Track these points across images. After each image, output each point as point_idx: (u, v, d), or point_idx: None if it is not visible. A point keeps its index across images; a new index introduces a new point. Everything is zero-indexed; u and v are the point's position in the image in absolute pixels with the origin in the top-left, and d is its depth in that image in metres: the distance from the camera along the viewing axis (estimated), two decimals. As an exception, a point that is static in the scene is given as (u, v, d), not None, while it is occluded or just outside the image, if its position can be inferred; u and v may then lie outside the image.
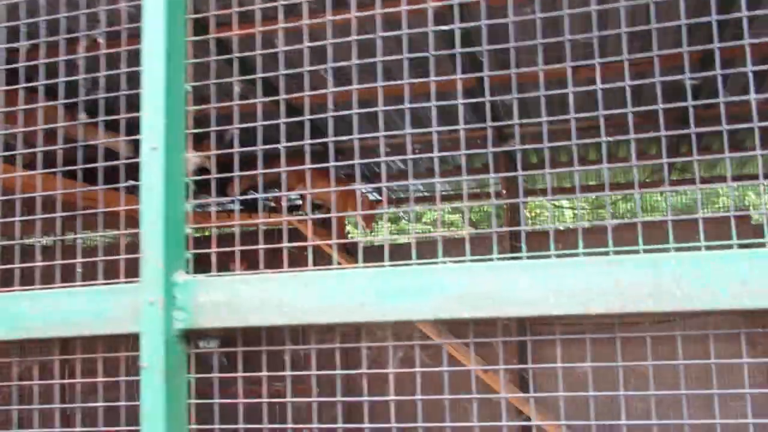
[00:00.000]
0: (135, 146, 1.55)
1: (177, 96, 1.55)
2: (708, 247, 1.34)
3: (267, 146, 1.56)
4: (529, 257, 1.39)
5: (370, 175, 7.58)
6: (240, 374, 1.51)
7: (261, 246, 1.54)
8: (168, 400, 1.46)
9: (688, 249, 1.33)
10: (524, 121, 1.48)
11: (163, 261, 1.49)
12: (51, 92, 1.76)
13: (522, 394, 5.28)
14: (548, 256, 1.39)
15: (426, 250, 1.55)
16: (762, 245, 1.32)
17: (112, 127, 1.68)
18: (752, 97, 1.38)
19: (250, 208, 5.95)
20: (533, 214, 9.59)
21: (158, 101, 1.51)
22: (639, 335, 1.49)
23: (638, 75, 5.09)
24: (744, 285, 1.27)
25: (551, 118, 1.43)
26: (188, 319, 1.49)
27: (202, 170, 1.57)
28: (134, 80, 1.60)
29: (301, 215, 6.07)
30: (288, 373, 1.49)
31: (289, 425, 1.47)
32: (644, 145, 6.99)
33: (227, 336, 1.56)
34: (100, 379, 1.59)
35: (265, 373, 1.50)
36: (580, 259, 1.36)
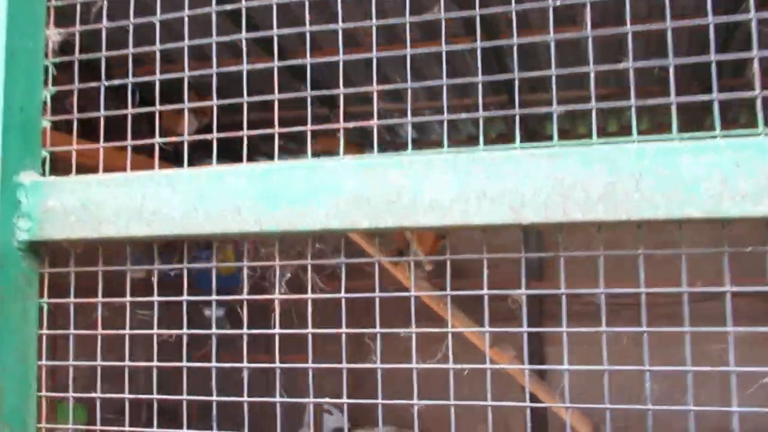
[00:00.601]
0: None
1: (29, -45, 1.25)
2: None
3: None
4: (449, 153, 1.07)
5: (385, 145, 7.23)
6: (100, 299, 1.22)
7: (130, 142, 1.24)
8: (5, 327, 1.18)
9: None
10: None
11: (1, 156, 1.20)
12: None
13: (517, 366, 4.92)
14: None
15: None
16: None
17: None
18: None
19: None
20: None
21: (-1, -44, 1.22)
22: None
23: (658, 40, 4.66)
24: (725, 184, 0.95)
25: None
26: (34, 228, 1.20)
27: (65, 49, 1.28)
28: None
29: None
30: (155, 299, 1.20)
31: (156, 364, 1.18)
32: (664, 118, 6.53)
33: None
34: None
35: (128, 299, 1.20)
36: (513, 153, 1.04)
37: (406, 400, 1.06)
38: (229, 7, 1.24)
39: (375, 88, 1.12)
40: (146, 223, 1.16)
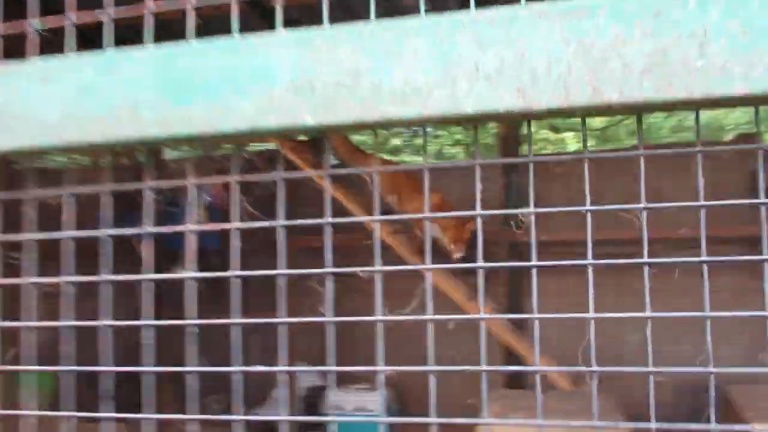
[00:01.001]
0: None
1: None
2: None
3: None
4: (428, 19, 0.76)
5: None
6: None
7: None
8: None
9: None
10: None
11: None
12: None
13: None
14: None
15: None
16: None
17: None
18: None
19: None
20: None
21: None
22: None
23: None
24: (832, 39, 0.64)
25: None
26: None
27: None
28: None
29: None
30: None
31: (68, 324, 0.87)
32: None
33: None
34: None
35: (29, 236, 0.89)
36: (516, 13, 0.72)
37: (370, 367, 0.76)
38: None
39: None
40: (15, 133, 0.84)
